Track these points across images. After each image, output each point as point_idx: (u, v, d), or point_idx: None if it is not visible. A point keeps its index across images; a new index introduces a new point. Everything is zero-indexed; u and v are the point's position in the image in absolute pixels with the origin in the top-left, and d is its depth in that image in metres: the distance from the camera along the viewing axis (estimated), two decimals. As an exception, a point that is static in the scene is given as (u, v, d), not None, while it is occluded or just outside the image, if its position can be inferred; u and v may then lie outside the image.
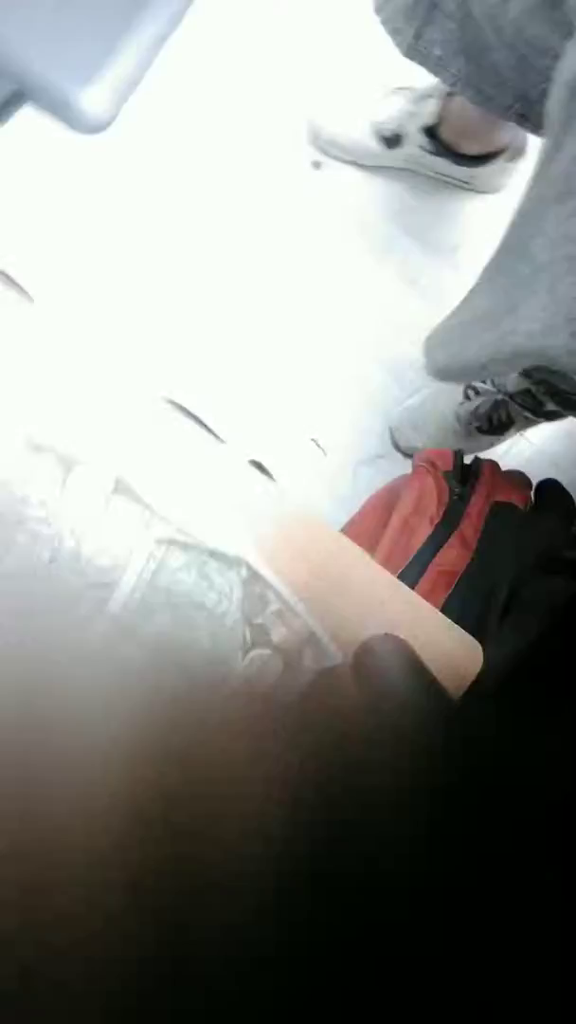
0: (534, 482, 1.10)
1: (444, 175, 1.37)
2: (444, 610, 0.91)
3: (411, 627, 0.50)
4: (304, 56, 1.43)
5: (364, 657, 0.48)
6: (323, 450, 1.40)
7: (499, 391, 1.27)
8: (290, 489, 1.34)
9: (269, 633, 0.51)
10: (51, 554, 0.52)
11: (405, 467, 1.41)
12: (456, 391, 1.33)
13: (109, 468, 0.45)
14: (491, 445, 1.39)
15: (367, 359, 1.41)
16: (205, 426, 1.07)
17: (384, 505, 1.11)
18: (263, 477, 0.87)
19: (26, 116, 0.80)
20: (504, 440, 1.37)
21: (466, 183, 1.39)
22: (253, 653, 0.51)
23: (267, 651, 0.51)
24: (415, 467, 1.06)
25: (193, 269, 1.40)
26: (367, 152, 1.38)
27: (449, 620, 0.50)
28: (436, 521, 0.95)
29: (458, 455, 1.04)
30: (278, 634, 0.51)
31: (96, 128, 0.78)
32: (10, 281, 0.65)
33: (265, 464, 1.19)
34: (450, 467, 1.03)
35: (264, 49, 1.43)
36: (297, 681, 0.44)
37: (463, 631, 0.50)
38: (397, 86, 1.35)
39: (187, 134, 1.39)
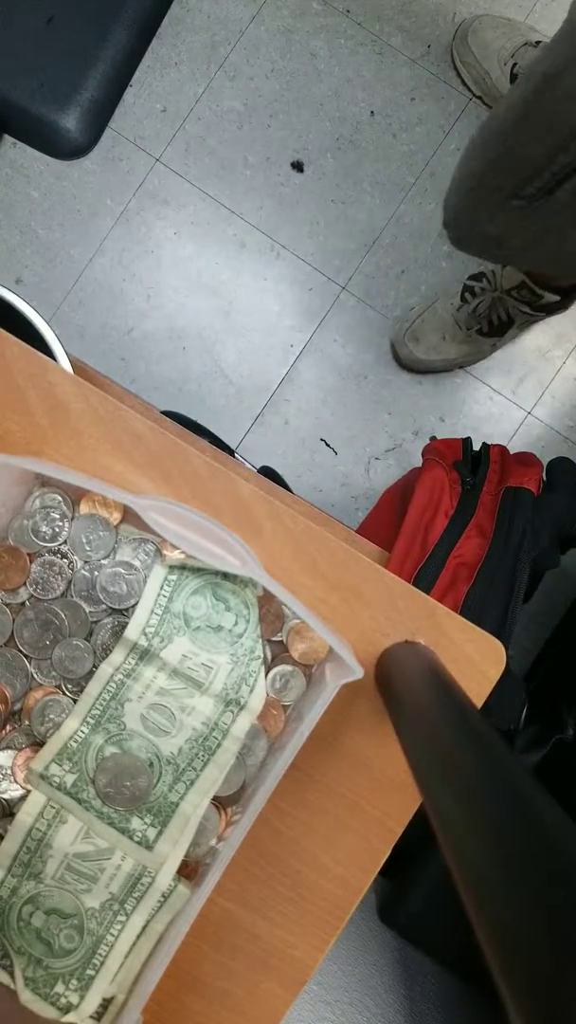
0: (545, 461, 1.10)
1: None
2: (467, 601, 0.91)
3: (431, 632, 0.50)
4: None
5: (386, 667, 0.48)
6: (334, 449, 1.40)
7: (495, 288, 1.27)
8: (304, 493, 1.34)
9: (289, 650, 0.51)
10: (66, 583, 0.52)
11: (416, 458, 1.41)
12: (453, 297, 1.34)
13: (116, 498, 0.45)
14: (493, 349, 1.38)
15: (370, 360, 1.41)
16: (212, 436, 1.07)
17: (398, 501, 1.11)
18: (274, 484, 0.86)
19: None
20: (504, 342, 1.37)
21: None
22: (276, 670, 0.51)
23: (289, 667, 0.51)
24: (424, 459, 1.05)
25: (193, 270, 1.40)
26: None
27: (469, 622, 0.49)
28: (450, 513, 0.94)
29: (466, 444, 1.04)
30: (298, 650, 0.51)
31: (77, 152, 0.78)
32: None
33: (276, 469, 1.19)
34: (459, 456, 1.03)
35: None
36: (321, 696, 0.44)
37: (484, 632, 0.50)
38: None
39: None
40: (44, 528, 0.52)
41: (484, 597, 0.92)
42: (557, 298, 1.23)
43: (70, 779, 0.48)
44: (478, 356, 1.39)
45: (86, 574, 0.52)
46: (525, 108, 0.72)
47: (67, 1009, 0.46)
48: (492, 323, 1.31)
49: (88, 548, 0.52)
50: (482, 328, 1.32)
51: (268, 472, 1.19)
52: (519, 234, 0.84)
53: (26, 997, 0.46)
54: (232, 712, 0.48)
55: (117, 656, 0.49)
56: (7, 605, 0.52)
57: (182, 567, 0.49)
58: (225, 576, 0.49)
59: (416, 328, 1.36)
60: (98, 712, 0.49)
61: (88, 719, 0.49)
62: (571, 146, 0.70)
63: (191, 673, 0.48)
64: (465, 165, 0.82)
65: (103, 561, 0.52)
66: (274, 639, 0.51)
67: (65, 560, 0.52)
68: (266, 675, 0.50)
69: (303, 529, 0.51)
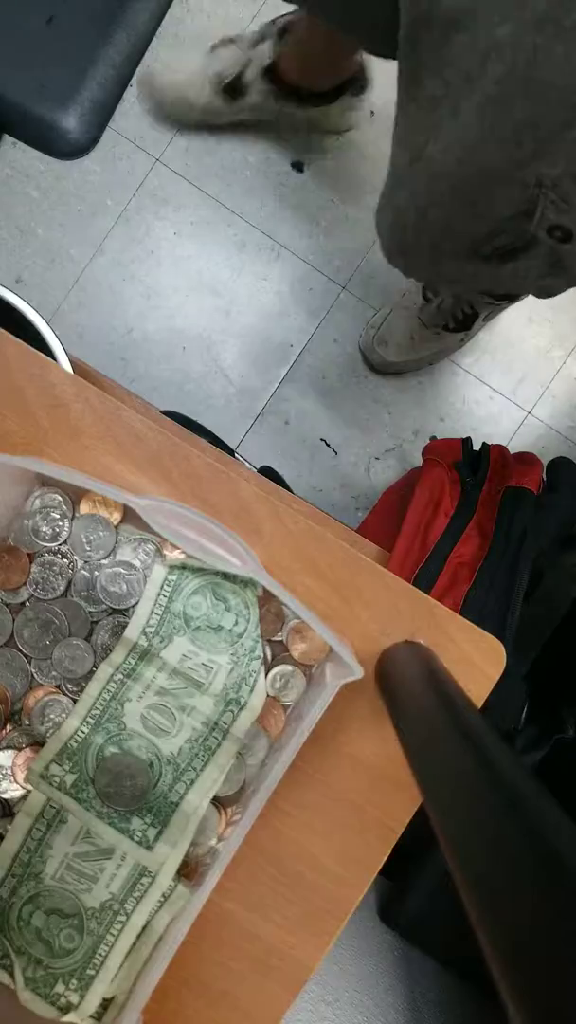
0: (545, 461, 1.10)
1: (292, 119, 1.35)
2: (467, 602, 0.91)
3: (431, 632, 0.50)
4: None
5: (386, 667, 0.48)
6: (333, 449, 1.40)
7: None
8: (304, 493, 1.34)
9: (289, 650, 0.51)
10: (66, 583, 0.52)
11: (416, 458, 1.41)
12: (416, 297, 1.34)
13: (116, 498, 0.45)
14: (461, 344, 1.38)
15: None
16: (212, 436, 1.07)
17: (398, 501, 1.11)
18: (274, 484, 0.86)
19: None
20: (472, 335, 1.37)
21: (317, 125, 1.37)
22: (275, 670, 0.51)
23: (289, 667, 0.51)
24: (424, 459, 1.05)
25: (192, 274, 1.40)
26: (212, 110, 1.35)
27: (469, 622, 0.49)
28: (450, 513, 0.94)
29: (466, 444, 1.04)
30: (298, 650, 0.51)
31: (77, 152, 0.78)
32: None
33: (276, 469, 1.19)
34: (459, 456, 1.03)
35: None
36: (321, 696, 0.44)
37: (483, 632, 0.50)
38: (225, 37, 1.30)
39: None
40: (44, 528, 0.52)
41: (484, 597, 0.92)
42: None
43: (70, 779, 0.48)
44: (448, 352, 1.39)
45: (86, 574, 0.52)
46: (453, 195, 0.70)
47: (67, 1009, 0.46)
48: (457, 318, 1.31)
49: (88, 548, 0.52)
50: (448, 324, 1.32)
51: (268, 472, 1.19)
52: (481, 276, 0.83)
53: (26, 997, 0.46)
54: (232, 712, 0.48)
55: (117, 656, 0.49)
56: (7, 605, 0.52)
57: (182, 567, 0.49)
58: (225, 576, 0.49)
59: (384, 332, 1.35)
60: (98, 712, 0.49)
61: (88, 719, 0.49)
62: (508, 228, 0.68)
63: (191, 673, 0.48)
64: (418, 203, 0.79)
65: (103, 561, 0.52)
66: (274, 639, 0.51)
67: (65, 560, 0.52)
68: (266, 675, 0.50)
69: (303, 529, 0.51)
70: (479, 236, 0.71)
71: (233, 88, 1.29)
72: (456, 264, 0.80)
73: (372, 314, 1.41)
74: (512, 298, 1.27)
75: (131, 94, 1.41)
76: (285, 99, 1.28)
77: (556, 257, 0.67)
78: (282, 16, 1.24)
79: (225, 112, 1.34)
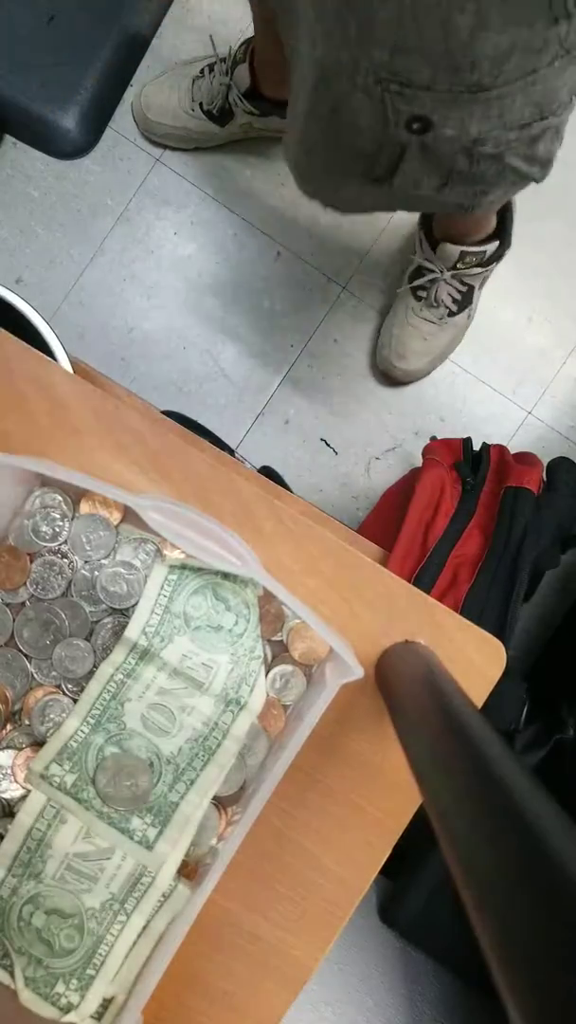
0: (545, 461, 1.10)
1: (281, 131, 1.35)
2: (467, 601, 0.91)
3: (431, 632, 0.50)
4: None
5: (386, 667, 0.48)
6: (334, 449, 1.40)
7: (440, 272, 1.26)
8: (304, 493, 1.34)
9: (289, 650, 0.51)
10: (66, 583, 0.52)
11: (416, 458, 1.41)
12: (409, 301, 1.33)
13: (116, 498, 0.45)
14: (470, 320, 1.37)
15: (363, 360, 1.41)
16: (212, 436, 1.07)
17: (398, 501, 1.11)
18: (274, 484, 0.86)
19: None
20: (476, 307, 1.36)
21: None
22: (275, 670, 0.51)
23: (289, 667, 0.51)
24: (425, 460, 1.05)
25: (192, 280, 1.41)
26: (206, 136, 1.37)
27: (468, 622, 0.49)
28: (451, 513, 0.94)
29: (467, 444, 1.04)
30: (298, 650, 0.51)
31: (77, 152, 0.78)
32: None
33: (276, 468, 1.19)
34: (459, 456, 1.03)
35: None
36: (321, 696, 0.44)
37: (483, 631, 0.50)
38: (203, 66, 1.33)
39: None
40: (44, 528, 0.52)
41: (484, 597, 0.92)
42: (497, 242, 1.22)
43: (70, 779, 0.48)
44: (461, 336, 1.38)
45: (86, 574, 0.52)
46: (318, 100, 0.70)
47: (67, 1009, 0.46)
48: (456, 299, 1.30)
49: (88, 548, 0.52)
50: (451, 310, 1.31)
51: (268, 472, 1.19)
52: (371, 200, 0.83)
53: (26, 997, 0.46)
54: (232, 712, 0.48)
55: (117, 656, 0.49)
56: (7, 605, 0.52)
57: (182, 567, 0.49)
58: (225, 576, 0.49)
59: (397, 347, 1.35)
60: (98, 712, 0.49)
61: (88, 719, 0.49)
62: (384, 141, 0.67)
63: (191, 673, 0.48)
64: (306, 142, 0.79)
65: (103, 561, 0.52)
66: (274, 639, 0.51)
67: (65, 560, 0.52)
68: (266, 675, 0.50)
69: (303, 529, 0.51)
70: (363, 152, 0.70)
71: (222, 112, 1.33)
72: (354, 188, 0.80)
73: (376, 331, 1.40)
74: (499, 256, 1.25)
75: (131, 94, 1.41)
76: (269, 114, 1.30)
77: (430, 155, 0.66)
78: (250, 37, 1.25)
79: (219, 135, 1.37)
